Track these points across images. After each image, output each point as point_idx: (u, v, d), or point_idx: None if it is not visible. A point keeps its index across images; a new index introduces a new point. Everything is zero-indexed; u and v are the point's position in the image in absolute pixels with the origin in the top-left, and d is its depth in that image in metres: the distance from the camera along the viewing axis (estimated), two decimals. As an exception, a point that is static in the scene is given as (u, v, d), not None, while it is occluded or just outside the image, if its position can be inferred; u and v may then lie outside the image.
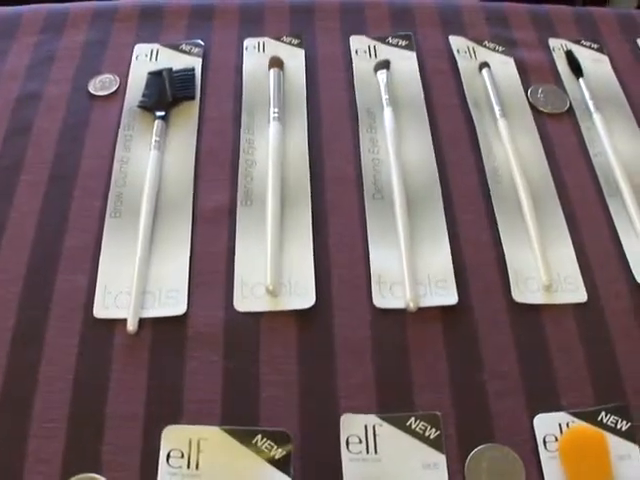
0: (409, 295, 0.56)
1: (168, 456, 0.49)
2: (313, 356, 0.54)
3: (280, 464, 0.49)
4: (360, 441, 0.50)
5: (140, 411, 0.52)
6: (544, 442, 0.51)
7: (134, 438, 0.51)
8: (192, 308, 0.56)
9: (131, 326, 0.54)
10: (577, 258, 0.61)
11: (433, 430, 0.51)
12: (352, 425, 0.51)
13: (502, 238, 0.61)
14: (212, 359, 0.54)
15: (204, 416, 0.51)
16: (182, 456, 0.49)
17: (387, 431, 0.51)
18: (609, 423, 0.52)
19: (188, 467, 0.49)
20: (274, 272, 0.57)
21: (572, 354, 0.56)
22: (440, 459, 0.50)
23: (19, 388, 0.53)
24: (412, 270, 0.57)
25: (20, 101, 0.71)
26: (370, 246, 0.60)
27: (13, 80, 0.73)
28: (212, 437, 0.50)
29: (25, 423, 0.51)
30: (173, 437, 0.50)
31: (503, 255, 0.60)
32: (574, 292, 0.59)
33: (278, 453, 0.49)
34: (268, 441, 0.50)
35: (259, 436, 0.50)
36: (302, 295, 0.56)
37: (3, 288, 0.58)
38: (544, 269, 0.59)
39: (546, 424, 0.52)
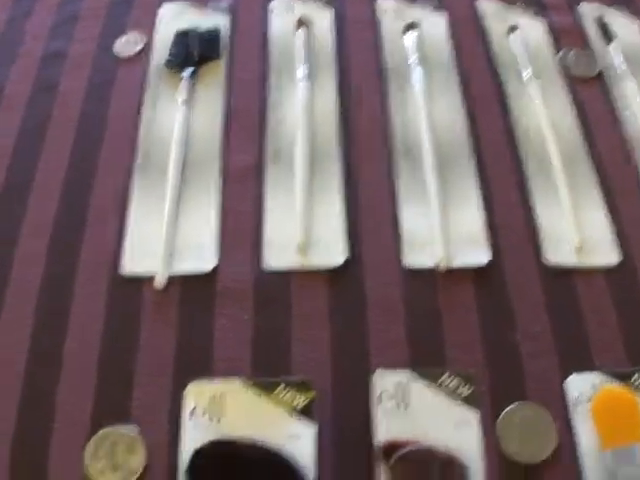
0: (440, 255, 0.55)
1: (192, 411, 0.49)
2: (344, 314, 0.54)
3: (303, 413, 0.49)
4: (393, 397, 0.50)
5: (169, 367, 0.52)
6: (576, 402, 0.51)
7: (162, 393, 0.51)
8: (221, 265, 0.56)
9: (159, 282, 0.54)
10: (609, 221, 0.60)
11: (466, 387, 0.50)
12: (385, 381, 0.50)
13: (533, 200, 0.61)
14: (241, 316, 0.53)
15: (233, 372, 0.51)
16: (205, 411, 0.49)
17: (420, 387, 0.50)
18: (642, 385, 0.51)
19: (211, 421, 0.49)
20: (304, 229, 0.56)
21: (605, 316, 0.55)
22: (473, 416, 0.50)
23: (48, 344, 0.52)
24: (443, 230, 0.57)
25: (45, 60, 0.71)
26: (400, 206, 0.59)
27: (38, 40, 0.73)
28: (235, 391, 0.50)
29: (54, 378, 0.51)
30: (197, 392, 0.50)
31: (534, 217, 0.59)
32: (606, 255, 0.58)
33: (300, 402, 0.49)
34: (290, 391, 0.49)
35: (281, 387, 0.50)
36: (332, 253, 0.56)
37: (30, 244, 0.57)
38: (576, 231, 0.58)
39: (579, 384, 0.51)
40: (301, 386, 0.50)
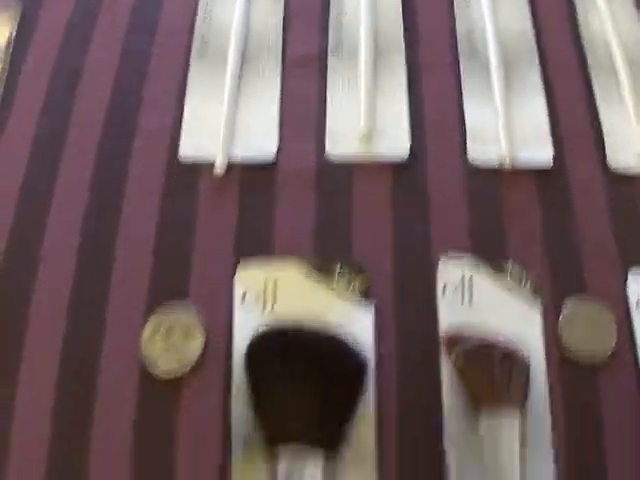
0: (504, 152, 0.55)
1: (244, 296, 0.48)
2: (407, 205, 0.53)
3: (358, 296, 0.49)
4: (456, 288, 0.49)
5: (229, 251, 0.51)
6: (637, 302, 0.50)
7: (220, 278, 0.50)
8: (282, 152, 0.55)
9: (219, 168, 0.53)
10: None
11: (528, 284, 0.50)
12: (448, 272, 0.50)
13: (598, 105, 0.59)
14: (304, 202, 0.53)
15: (294, 259, 0.51)
16: (258, 295, 0.49)
17: (483, 280, 0.50)
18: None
19: (264, 307, 0.49)
20: (368, 119, 0.55)
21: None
22: (534, 311, 0.50)
23: (101, 225, 0.52)
24: (507, 128, 0.56)
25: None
26: (465, 103, 0.58)
27: None
28: (288, 274, 0.50)
29: (109, 260, 0.51)
30: (248, 277, 0.50)
31: (599, 121, 0.58)
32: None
33: (356, 285, 0.48)
34: (346, 274, 0.49)
35: (335, 272, 0.49)
36: (396, 146, 0.55)
37: (83, 129, 0.56)
38: (640, 138, 0.57)
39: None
40: (357, 271, 0.49)
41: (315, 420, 0.44)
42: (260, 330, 0.46)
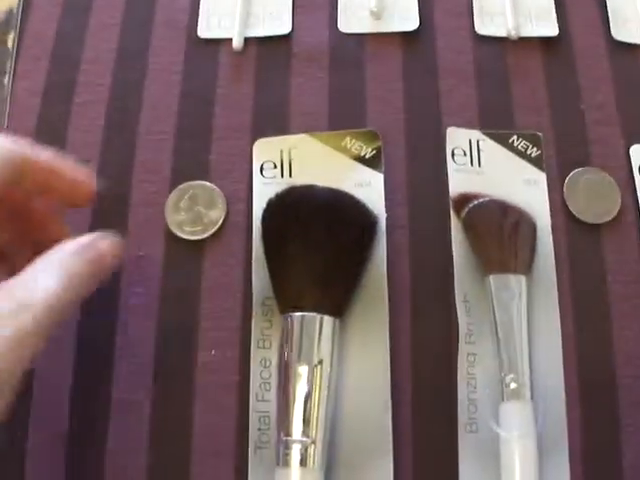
0: (511, 23, 0.55)
1: (261, 168, 0.50)
2: (417, 76, 0.54)
3: (370, 162, 0.50)
4: (465, 154, 0.51)
5: (247, 123, 0.53)
6: (639, 170, 0.51)
7: (242, 148, 0.52)
8: (297, 28, 0.56)
9: (237, 43, 0.54)
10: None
11: (534, 149, 0.51)
12: (457, 138, 0.51)
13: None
14: (318, 75, 0.54)
15: (309, 128, 0.52)
16: (275, 166, 0.50)
17: (490, 146, 0.51)
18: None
19: (282, 176, 0.50)
20: (378, -5, 0.56)
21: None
22: (540, 176, 0.51)
23: (125, 105, 0.53)
24: (514, 1, 0.56)
25: None
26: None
27: None
28: (302, 144, 0.51)
29: (133, 137, 0.52)
30: (264, 149, 0.51)
31: (604, -2, 0.58)
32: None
33: (368, 152, 0.50)
34: (357, 142, 0.51)
35: (348, 138, 0.51)
36: (405, 19, 0.56)
37: (103, 13, 0.57)
38: (641, 9, 0.58)
39: (642, 154, 0.52)
40: (368, 136, 0.51)
41: (324, 287, 0.45)
42: (279, 192, 0.48)
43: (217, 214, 0.50)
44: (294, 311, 0.44)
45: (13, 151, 0.40)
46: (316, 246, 0.45)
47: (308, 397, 0.42)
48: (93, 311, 0.48)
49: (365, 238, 0.47)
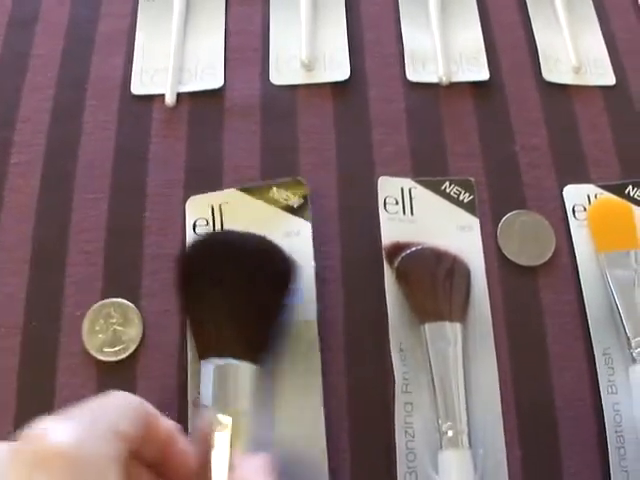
0: (442, 70, 0.56)
1: (194, 225, 0.50)
2: (349, 126, 0.55)
3: (298, 211, 0.51)
4: (397, 202, 0.51)
5: (181, 179, 0.53)
6: (573, 211, 0.52)
7: (173, 205, 0.52)
8: (229, 82, 0.57)
9: (169, 99, 0.55)
10: (606, 46, 0.60)
11: (467, 194, 0.52)
12: (388, 187, 0.52)
13: (532, 21, 0.61)
14: (250, 128, 0.54)
15: (243, 182, 0.52)
16: (207, 223, 0.51)
17: (423, 193, 0.52)
18: (635, 196, 0.53)
19: (214, 229, 0.50)
20: (309, 46, 0.57)
21: (600, 133, 0.56)
22: (474, 222, 0.51)
23: (60, 163, 0.54)
24: (444, 47, 0.57)
25: None
26: (402, 26, 0.59)
27: None
28: (232, 199, 0.51)
29: (68, 195, 0.52)
30: (196, 206, 0.51)
31: (533, 36, 0.60)
32: (602, 76, 0.59)
33: (296, 201, 0.50)
34: (284, 192, 0.51)
35: (274, 189, 0.51)
36: (337, 68, 0.56)
37: (39, 73, 0.57)
38: (573, 51, 0.59)
39: (575, 194, 0.53)
40: (294, 185, 0.51)
41: (241, 333, 0.44)
42: (198, 236, 0.48)
43: (134, 332, 0.48)
44: (212, 357, 0.44)
45: (144, 406, 0.37)
46: (232, 292, 0.44)
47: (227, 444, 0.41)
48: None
49: (282, 283, 0.46)
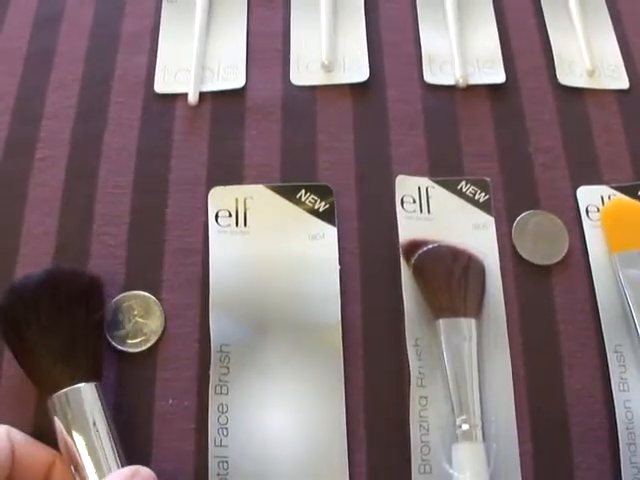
0: (459, 72, 0.57)
1: (217, 216, 0.51)
2: (368, 126, 0.56)
3: (324, 215, 0.51)
4: (414, 201, 0.52)
5: (202, 175, 0.54)
6: (587, 211, 0.53)
7: (197, 201, 0.53)
8: (250, 82, 0.58)
9: (192, 98, 0.56)
10: (620, 50, 0.61)
11: (483, 194, 0.53)
12: (406, 186, 0.53)
13: (548, 25, 0.62)
14: (271, 128, 0.55)
15: (263, 179, 0.53)
16: (230, 215, 0.51)
17: (439, 192, 0.53)
18: (648, 197, 0.53)
19: (237, 225, 0.51)
20: (329, 48, 0.58)
21: (613, 136, 0.57)
22: (489, 221, 0.52)
23: (84, 159, 0.55)
24: (462, 50, 0.58)
25: None
26: (420, 28, 0.60)
27: None
28: (258, 195, 0.52)
29: (92, 189, 0.53)
30: (220, 197, 0.52)
31: (548, 40, 0.61)
32: (617, 79, 0.60)
33: (322, 206, 0.51)
34: (312, 195, 0.52)
35: (302, 191, 0.52)
36: (356, 70, 0.57)
37: (65, 70, 0.58)
38: (588, 55, 0.60)
39: (589, 195, 0.54)
40: (322, 190, 0.52)
41: (69, 360, 0.44)
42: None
43: (155, 324, 0.49)
44: (55, 392, 0.43)
45: (11, 435, 0.40)
46: (48, 325, 0.44)
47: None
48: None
49: (91, 301, 0.46)
